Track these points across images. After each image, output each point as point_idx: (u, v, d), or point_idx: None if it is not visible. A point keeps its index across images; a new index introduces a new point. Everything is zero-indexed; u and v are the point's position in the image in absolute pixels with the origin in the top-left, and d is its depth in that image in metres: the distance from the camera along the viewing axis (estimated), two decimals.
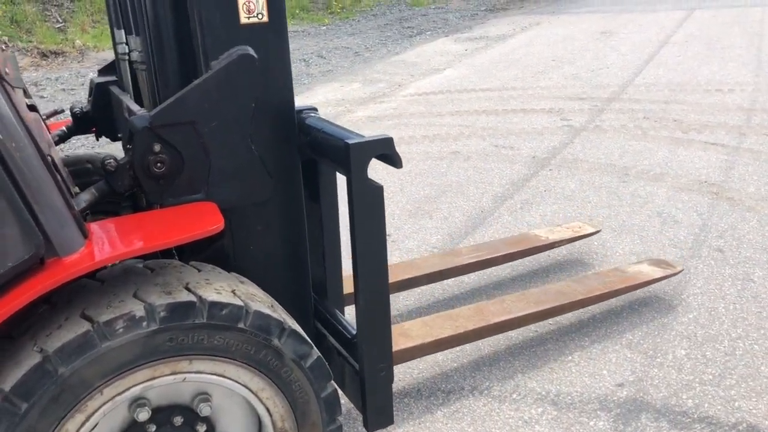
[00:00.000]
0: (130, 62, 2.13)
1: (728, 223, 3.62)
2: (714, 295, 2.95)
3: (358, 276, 1.73)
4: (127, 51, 2.16)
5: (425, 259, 2.98)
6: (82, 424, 1.36)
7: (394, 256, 3.38)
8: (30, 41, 9.16)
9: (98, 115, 2.51)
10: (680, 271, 2.92)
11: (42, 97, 7.20)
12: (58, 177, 1.35)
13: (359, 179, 1.64)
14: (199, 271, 1.56)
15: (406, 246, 3.58)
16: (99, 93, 2.49)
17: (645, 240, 3.48)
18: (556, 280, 3.07)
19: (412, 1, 13.49)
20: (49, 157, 1.37)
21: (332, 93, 7.14)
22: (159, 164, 1.58)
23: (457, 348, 2.68)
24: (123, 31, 2.15)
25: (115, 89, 2.38)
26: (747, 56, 7.40)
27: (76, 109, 2.52)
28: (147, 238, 1.46)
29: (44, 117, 2.39)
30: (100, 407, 1.37)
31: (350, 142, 1.62)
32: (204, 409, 1.50)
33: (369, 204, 1.67)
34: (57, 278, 1.28)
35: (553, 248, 3.21)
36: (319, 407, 1.59)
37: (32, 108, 2.13)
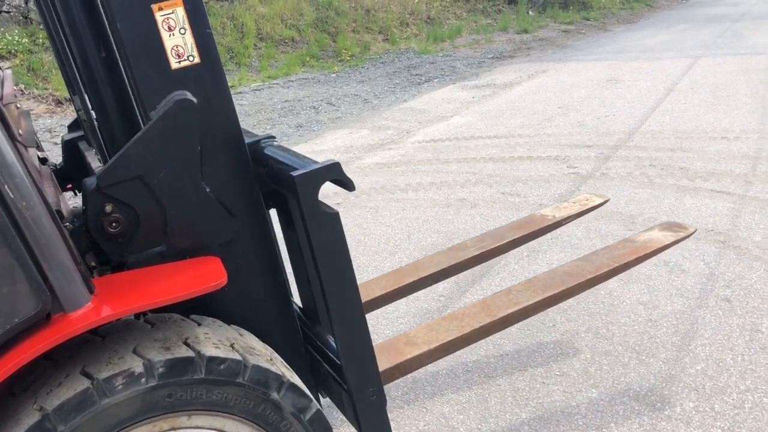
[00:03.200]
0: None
1: (735, 272, 3.60)
2: (722, 346, 2.92)
3: (328, 306, 1.68)
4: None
5: (430, 258, 2.85)
6: None
7: (401, 304, 3.37)
8: (46, 89, 9.36)
9: (72, 171, 2.48)
10: (693, 233, 2.73)
11: (56, 143, 7.32)
12: (66, 233, 1.37)
13: (310, 207, 1.59)
14: (199, 324, 1.57)
15: (414, 294, 3.57)
16: (68, 149, 2.48)
17: (652, 289, 3.47)
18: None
19: (420, 49, 13.70)
20: (57, 212, 1.40)
21: (341, 140, 7.22)
22: (114, 224, 1.56)
23: (464, 399, 2.66)
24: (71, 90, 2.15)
25: (83, 144, 2.38)
26: (752, 104, 7.44)
27: (50, 168, 2.48)
28: (151, 295, 1.47)
29: (53, 168, 2.44)
30: None
31: (294, 173, 1.57)
32: None
33: (325, 231, 1.62)
34: (63, 334, 1.29)
35: (561, 226, 3.04)
36: None
37: (43, 161, 2.18)
